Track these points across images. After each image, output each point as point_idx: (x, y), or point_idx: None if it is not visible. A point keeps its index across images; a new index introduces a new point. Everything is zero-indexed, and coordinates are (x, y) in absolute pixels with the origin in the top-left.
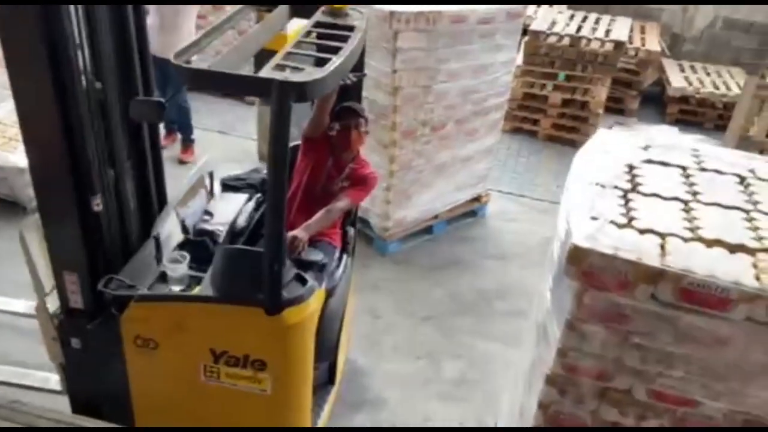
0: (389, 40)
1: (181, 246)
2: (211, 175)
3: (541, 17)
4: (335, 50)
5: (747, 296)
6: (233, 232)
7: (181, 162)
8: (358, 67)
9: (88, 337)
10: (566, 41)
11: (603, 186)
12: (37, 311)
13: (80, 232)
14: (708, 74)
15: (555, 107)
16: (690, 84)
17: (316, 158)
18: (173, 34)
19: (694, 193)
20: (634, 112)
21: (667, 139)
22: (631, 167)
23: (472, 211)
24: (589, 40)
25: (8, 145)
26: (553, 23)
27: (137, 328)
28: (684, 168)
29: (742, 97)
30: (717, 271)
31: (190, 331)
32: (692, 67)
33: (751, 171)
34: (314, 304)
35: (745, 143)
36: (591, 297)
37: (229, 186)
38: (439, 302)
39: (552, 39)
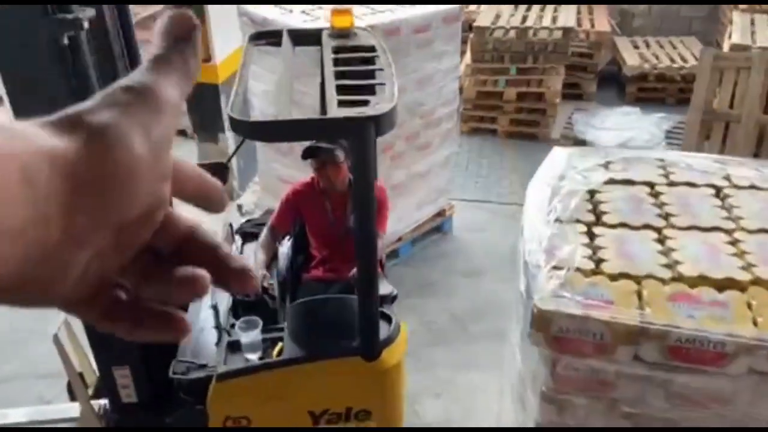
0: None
1: (234, 309)
2: (231, 227)
3: (484, 12)
4: (370, 74)
5: (745, 347)
6: (284, 284)
7: None
8: None
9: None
10: (513, 34)
11: (562, 221)
12: (83, 416)
13: None
14: (662, 47)
15: (511, 102)
16: (646, 61)
17: (312, 205)
18: None
19: (667, 216)
20: (592, 96)
21: (629, 153)
22: (592, 193)
23: (437, 227)
24: (537, 29)
25: None
26: (498, 16)
27: (226, 408)
28: (651, 185)
29: (700, 70)
30: (707, 320)
31: (286, 397)
32: (645, 43)
33: (726, 178)
34: (403, 338)
35: (709, 117)
36: (566, 365)
37: (249, 234)
38: (412, 334)
39: (498, 33)
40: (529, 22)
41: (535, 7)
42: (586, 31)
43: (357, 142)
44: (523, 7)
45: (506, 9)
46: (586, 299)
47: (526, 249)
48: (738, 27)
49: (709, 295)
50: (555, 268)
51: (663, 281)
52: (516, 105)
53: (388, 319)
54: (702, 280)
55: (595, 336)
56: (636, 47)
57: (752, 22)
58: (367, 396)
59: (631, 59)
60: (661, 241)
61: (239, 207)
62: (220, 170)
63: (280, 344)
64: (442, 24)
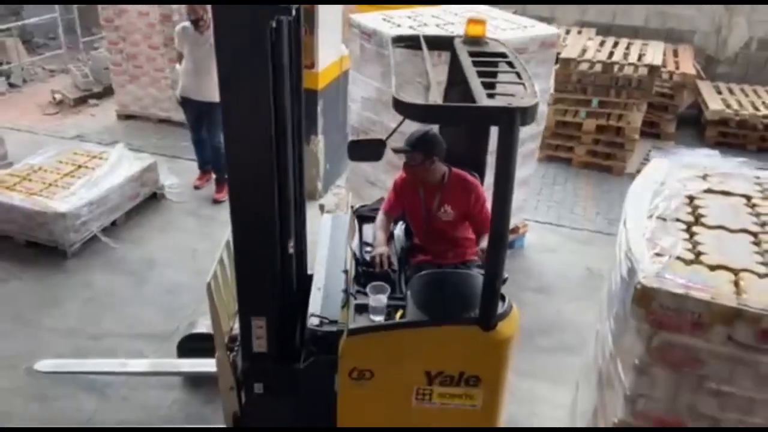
0: (422, 74)
1: (358, 277)
2: (352, 209)
3: (571, 45)
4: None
5: None
6: (399, 261)
7: (216, 201)
8: None
9: (286, 379)
10: (598, 68)
11: (664, 219)
12: (219, 362)
13: (276, 277)
14: (746, 95)
15: (589, 134)
16: (728, 106)
17: (410, 195)
18: (206, 78)
19: (763, 224)
20: (671, 136)
21: (726, 166)
22: (691, 198)
23: (510, 242)
24: (622, 65)
25: (47, 191)
26: (584, 50)
27: (354, 360)
28: (748, 197)
29: None
30: None
31: (407, 356)
32: (729, 89)
33: None
34: (515, 316)
35: None
36: (661, 340)
37: (365, 217)
38: None
39: (584, 66)
40: (615, 58)
41: (621, 45)
42: (670, 72)
43: (503, 129)
44: (609, 43)
45: (593, 43)
46: (686, 282)
47: (630, 238)
48: None
49: None
50: (657, 255)
51: (759, 275)
52: (594, 137)
53: (502, 297)
54: None
55: (693, 315)
56: (719, 92)
57: None
58: (480, 363)
59: (713, 103)
60: (757, 243)
61: (321, 207)
62: (378, 146)
63: (400, 311)
64: (538, 48)
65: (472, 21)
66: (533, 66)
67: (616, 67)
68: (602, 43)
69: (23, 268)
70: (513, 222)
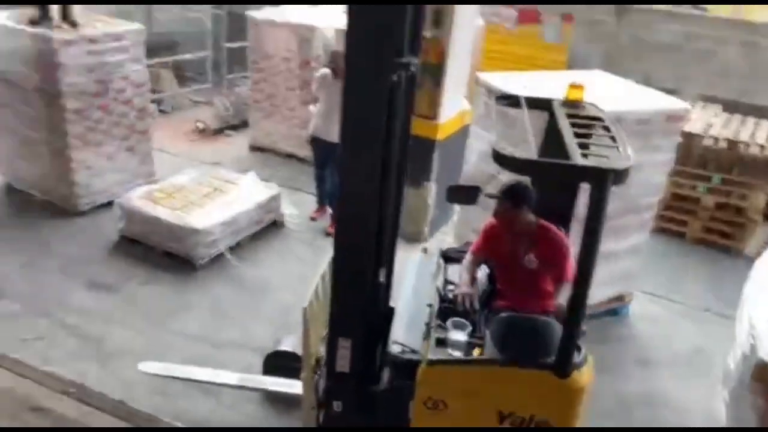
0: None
1: (442, 313)
2: (440, 251)
3: (695, 119)
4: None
5: None
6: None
7: (329, 234)
8: None
9: (365, 399)
10: (723, 144)
11: None
12: (305, 381)
13: (365, 302)
14: None
15: (707, 210)
16: None
17: (497, 240)
18: (337, 121)
19: None
20: None
21: None
22: None
23: (613, 309)
24: (749, 144)
25: (186, 208)
26: (709, 126)
27: (430, 390)
28: None
29: None
30: None
31: (481, 393)
32: None
33: None
34: (590, 368)
35: None
36: None
37: (450, 258)
38: None
39: (708, 141)
40: (741, 137)
41: (749, 123)
42: None
43: (595, 188)
44: (736, 121)
45: (718, 120)
46: None
47: (752, 316)
48: None
49: None
50: None
51: None
52: (712, 214)
53: (578, 348)
54: None
55: None
56: None
57: None
58: (552, 409)
59: None
60: None
61: (424, 249)
62: (474, 191)
63: (478, 349)
64: (663, 121)
65: (572, 86)
66: (657, 138)
67: (741, 146)
68: (728, 120)
69: (159, 274)
70: (619, 289)
